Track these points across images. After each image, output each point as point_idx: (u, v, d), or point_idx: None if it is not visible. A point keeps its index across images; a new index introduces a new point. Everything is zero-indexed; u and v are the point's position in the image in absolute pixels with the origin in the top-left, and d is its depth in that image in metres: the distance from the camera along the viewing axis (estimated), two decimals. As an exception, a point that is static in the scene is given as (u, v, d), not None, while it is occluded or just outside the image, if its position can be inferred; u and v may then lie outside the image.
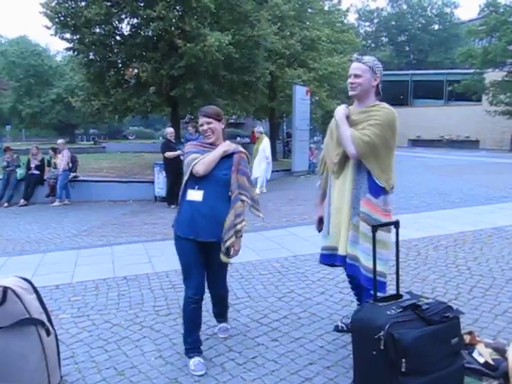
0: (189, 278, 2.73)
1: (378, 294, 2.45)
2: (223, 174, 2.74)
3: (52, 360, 2.45)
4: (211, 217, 2.68)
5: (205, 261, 2.79)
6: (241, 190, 2.78)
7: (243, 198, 2.79)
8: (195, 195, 2.70)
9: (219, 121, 2.83)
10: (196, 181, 2.71)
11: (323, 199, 3.03)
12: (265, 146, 10.97)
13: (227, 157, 2.79)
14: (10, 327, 2.24)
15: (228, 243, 2.70)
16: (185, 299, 2.73)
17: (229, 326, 3.21)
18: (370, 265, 2.47)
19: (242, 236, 2.80)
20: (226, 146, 2.78)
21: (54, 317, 3.23)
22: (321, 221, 3.03)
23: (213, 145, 2.81)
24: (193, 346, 2.77)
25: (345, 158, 2.71)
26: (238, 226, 2.75)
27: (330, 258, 2.88)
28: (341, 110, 2.72)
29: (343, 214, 2.74)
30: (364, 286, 2.67)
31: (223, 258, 2.74)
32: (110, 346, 3.06)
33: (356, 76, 2.65)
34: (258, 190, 10.79)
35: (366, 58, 2.68)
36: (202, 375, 2.63)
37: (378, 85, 2.70)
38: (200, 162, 2.69)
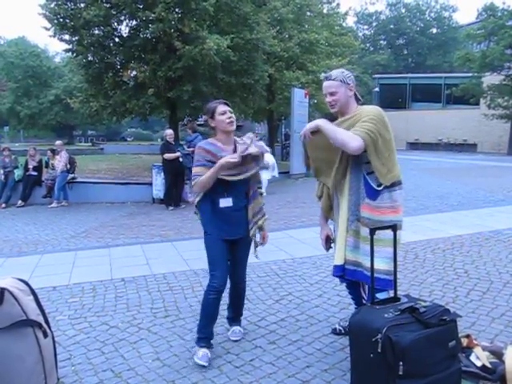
0: (214, 270, 2.87)
1: (384, 294, 2.49)
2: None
3: (49, 362, 2.44)
4: (241, 217, 2.94)
5: (231, 255, 2.99)
6: (258, 184, 3.06)
7: (261, 191, 3.08)
8: (226, 202, 2.87)
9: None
10: (224, 187, 2.83)
11: (327, 218, 3.02)
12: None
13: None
14: (7, 329, 2.23)
15: (252, 236, 3.01)
16: (207, 290, 2.86)
17: (242, 330, 3.21)
18: (376, 265, 2.45)
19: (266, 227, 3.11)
20: (227, 159, 2.73)
21: (51, 318, 3.23)
22: (328, 239, 2.99)
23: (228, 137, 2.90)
24: (206, 336, 2.90)
25: (344, 165, 2.70)
26: (260, 222, 3.03)
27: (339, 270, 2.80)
28: (317, 120, 2.74)
29: (340, 222, 2.73)
30: (349, 279, 2.72)
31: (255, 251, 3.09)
32: (107, 347, 3.05)
33: (331, 94, 2.67)
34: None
35: (334, 74, 2.68)
36: (204, 367, 2.73)
37: (354, 93, 2.72)
38: (198, 182, 2.79)
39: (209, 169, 2.75)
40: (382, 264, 2.53)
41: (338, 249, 2.73)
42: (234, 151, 2.85)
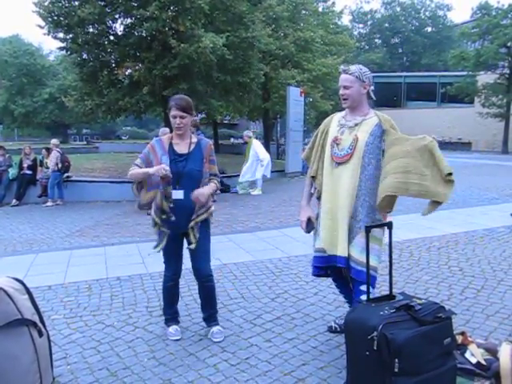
0: (167, 260, 3.12)
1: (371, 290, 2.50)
2: (197, 170, 2.93)
3: (44, 361, 2.43)
4: (190, 210, 2.93)
5: (182, 248, 3.11)
6: (211, 176, 3.04)
7: (214, 182, 3.04)
8: (177, 195, 2.89)
9: (191, 114, 2.96)
10: (176, 180, 2.86)
11: (310, 199, 3.01)
12: (255, 148, 11.14)
13: (197, 149, 2.97)
14: (2, 328, 2.22)
15: (189, 228, 2.98)
16: (163, 280, 3.19)
17: (222, 329, 3.17)
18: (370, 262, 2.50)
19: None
20: (154, 170, 2.83)
21: (47, 317, 3.22)
22: (309, 221, 2.96)
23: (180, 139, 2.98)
24: (171, 316, 3.22)
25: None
26: (200, 218, 2.98)
27: (322, 260, 2.84)
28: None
29: (340, 220, 2.70)
30: (357, 280, 2.68)
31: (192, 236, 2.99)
32: (102, 346, 3.04)
33: (345, 87, 2.70)
34: (257, 191, 10.86)
35: (353, 69, 2.70)
36: (177, 340, 3.05)
37: (368, 91, 2.74)
38: (131, 173, 2.95)
39: (144, 164, 2.94)
40: (374, 262, 2.62)
41: (342, 241, 2.68)
42: (189, 147, 2.96)
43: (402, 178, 2.43)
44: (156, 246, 3.06)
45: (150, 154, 2.97)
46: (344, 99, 2.72)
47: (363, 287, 2.57)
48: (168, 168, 2.78)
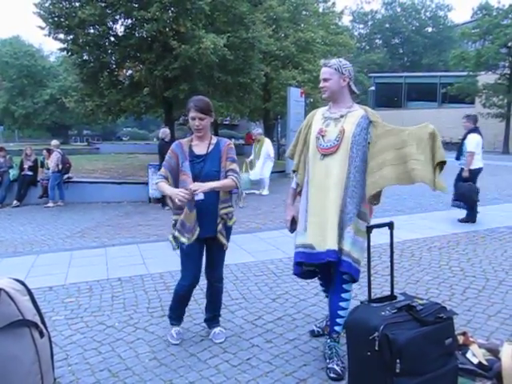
0: (183, 270, 2.97)
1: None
2: (215, 170, 2.87)
3: (45, 362, 2.43)
4: (211, 213, 2.86)
5: (207, 252, 3.02)
6: (229, 173, 2.89)
7: (231, 178, 2.87)
8: (198, 196, 2.78)
9: (211, 116, 2.92)
10: (195, 181, 2.78)
11: (295, 198, 2.98)
12: (268, 147, 10.93)
13: (215, 149, 2.92)
14: (3, 329, 2.22)
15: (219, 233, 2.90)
16: (178, 286, 3.03)
17: (223, 330, 3.18)
18: (349, 250, 2.57)
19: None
20: (175, 195, 2.71)
21: (48, 318, 3.22)
22: (293, 221, 2.94)
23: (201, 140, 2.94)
24: (177, 315, 3.15)
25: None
26: (224, 211, 2.90)
27: (308, 256, 2.70)
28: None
29: (329, 213, 2.63)
30: (345, 271, 2.60)
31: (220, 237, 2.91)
32: (103, 347, 3.04)
33: (325, 80, 2.72)
34: (266, 191, 10.73)
35: (332, 62, 2.73)
36: (177, 344, 3.01)
37: (349, 84, 2.73)
38: (159, 185, 2.88)
39: (169, 172, 2.92)
40: (356, 253, 2.59)
41: (332, 234, 2.59)
42: (208, 148, 2.92)
43: (401, 169, 2.49)
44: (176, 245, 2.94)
45: (172, 159, 2.92)
46: (324, 91, 2.75)
47: (346, 277, 2.61)
48: (183, 194, 2.67)
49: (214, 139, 2.98)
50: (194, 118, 2.85)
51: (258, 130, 11.58)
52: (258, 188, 10.85)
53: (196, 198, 2.77)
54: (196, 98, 2.94)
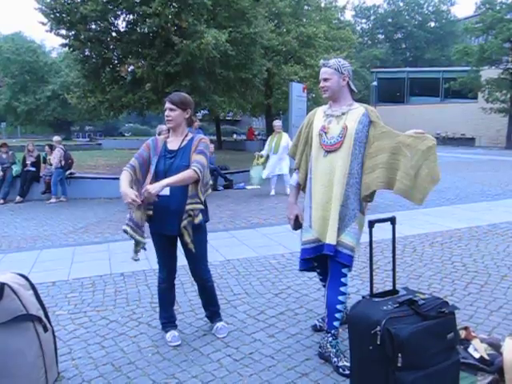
0: (159, 260, 3.03)
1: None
2: (185, 165, 2.78)
3: (49, 356, 2.45)
4: (176, 211, 2.77)
5: (176, 246, 3.00)
6: (193, 163, 2.77)
7: (195, 168, 2.72)
8: (163, 191, 2.70)
9: (184, 110, 2.88)
10: (163, 177, 2.74)
11: (298, 196, 3.02)
12: (288, 141, 9.46)
13: (187, 144, 2.88)
14: (7, 323, 2.24)
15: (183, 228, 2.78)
16: (158, 279, 3.07)
17: (225, 325, 3.19)
18: (343, 239, 2.65)
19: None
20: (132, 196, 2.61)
21: (51, 313, 3.23)
22: (297, 219, 2.98)
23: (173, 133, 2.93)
24: (167, 320, 3.09)
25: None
26: (189, 206, 2.77)
27: (315, 250, 2.77)
28: None
29: (333, 208, 2.66)
30: (341, 263, 2.65)
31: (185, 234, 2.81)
32: (107, 342, 3.06)
33: (325, 80, 2.75)
34: (273, 192, 9.85)
35: (332, 62, 2.77)
36: (177, 345, 2.94)
37: (348, 83, 2.76)
38: (123, 173, 2.83)
39: (139, 164, 2.88)
40: (350, 240, 2.65)
41: (332, 229, 2.64)
42: (181, 144, 2.88)
43: (391, 174, 2.57)
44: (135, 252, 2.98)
45: (145, 151, 2.91)
46: (324, 91, 2.78)
47: (345, 270, 2.66)
48: (133, 197, 2.59)
49: (190, 135, 2.94)
50: (165, 109, 2.88)
51: (278, 121, 10.37)
52: (270, 184, 9.99)
53: (160, 193, 2.66)
54: (176, 93, 2.98)
